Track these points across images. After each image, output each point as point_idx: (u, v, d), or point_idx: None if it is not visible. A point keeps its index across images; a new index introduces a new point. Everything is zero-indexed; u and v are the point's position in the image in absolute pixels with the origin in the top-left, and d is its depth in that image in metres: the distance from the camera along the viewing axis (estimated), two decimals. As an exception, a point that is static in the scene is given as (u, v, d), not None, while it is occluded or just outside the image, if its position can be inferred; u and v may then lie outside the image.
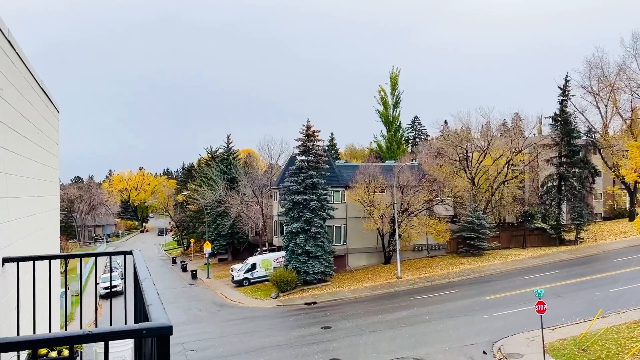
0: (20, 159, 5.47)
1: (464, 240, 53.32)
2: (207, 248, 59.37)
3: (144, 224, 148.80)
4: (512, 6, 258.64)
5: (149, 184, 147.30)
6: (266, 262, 52.38)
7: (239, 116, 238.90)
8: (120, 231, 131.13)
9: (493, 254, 53.24)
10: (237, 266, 54.58)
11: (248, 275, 51.47)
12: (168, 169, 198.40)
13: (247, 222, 61.87)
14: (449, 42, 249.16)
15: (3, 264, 4.64)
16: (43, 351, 3.68)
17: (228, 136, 75.39)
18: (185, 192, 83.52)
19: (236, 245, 69.23)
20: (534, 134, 64.50)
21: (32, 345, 2.03)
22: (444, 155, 58.63)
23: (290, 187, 48.02)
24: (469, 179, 56.59)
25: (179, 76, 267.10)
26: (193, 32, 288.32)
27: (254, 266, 52.01)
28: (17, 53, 5.33)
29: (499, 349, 26.76)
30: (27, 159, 5.93)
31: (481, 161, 58.17)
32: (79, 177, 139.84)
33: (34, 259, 5.12)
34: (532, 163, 59.60)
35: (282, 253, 50.64)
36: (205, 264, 60.45)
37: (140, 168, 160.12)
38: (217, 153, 78.08)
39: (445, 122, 71.72)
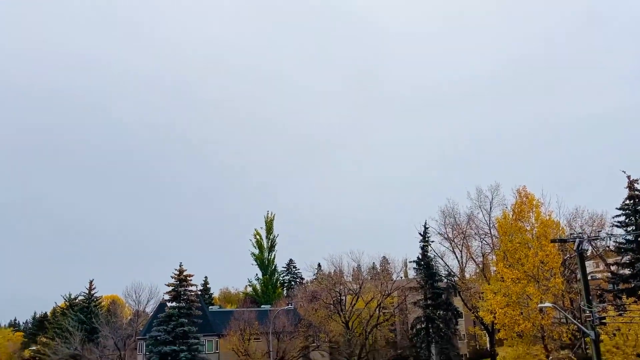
0: None
1: (340, 388, 52.06)
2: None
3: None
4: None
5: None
6: None
7: (104, 260, 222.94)
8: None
9: (370, 401, 52.28)
10: None
11: None
12: (16, 319, 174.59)
13: (106, 379, 55.25)
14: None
15: None
16: None
17: (90, 282, 69.86)
18: (33, 347, 73.35)
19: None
20: (401, 277, 68.01)
21: None
22: (319, 298, 59.14)
23: (158, 337, 44.78)
24: (343, 322, 57.02)
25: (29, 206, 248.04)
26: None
27: None
28: None
29: None
30: None
31: (354, 304, 59.40)
32: None
33: None
34: (401, 305, 61.99)
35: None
36: None
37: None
38: (77, 300, 71.09)
39: (319, 265, 73.53)
